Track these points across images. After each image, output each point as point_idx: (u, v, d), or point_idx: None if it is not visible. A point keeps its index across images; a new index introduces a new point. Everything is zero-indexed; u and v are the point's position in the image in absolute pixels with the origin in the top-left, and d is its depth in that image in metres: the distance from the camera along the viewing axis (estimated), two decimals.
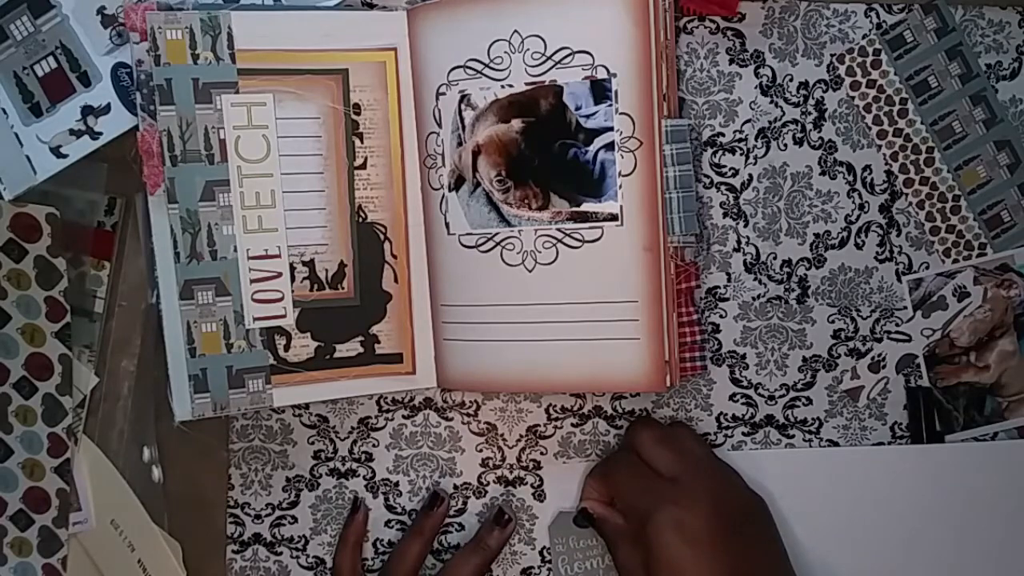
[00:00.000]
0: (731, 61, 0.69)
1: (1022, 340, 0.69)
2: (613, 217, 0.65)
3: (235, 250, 0.66)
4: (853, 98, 0.68)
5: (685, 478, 0.65)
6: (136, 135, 0.65)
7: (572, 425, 0.72)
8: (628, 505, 0.67)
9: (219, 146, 0.65)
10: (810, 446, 0.71)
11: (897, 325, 0.70)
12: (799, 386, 0.71)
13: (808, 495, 0.71)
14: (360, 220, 0.69)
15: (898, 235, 0.70)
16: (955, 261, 0.69)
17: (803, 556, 0.70)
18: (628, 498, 0.67)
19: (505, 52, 0.66)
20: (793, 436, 0.71)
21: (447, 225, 0.69)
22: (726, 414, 0.72)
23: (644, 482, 0.66)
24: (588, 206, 0.66)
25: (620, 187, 0.65)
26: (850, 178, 0.69)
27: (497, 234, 0.67)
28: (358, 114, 0.68)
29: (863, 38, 0.68)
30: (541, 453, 0.73)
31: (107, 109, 0.65)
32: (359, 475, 0.73)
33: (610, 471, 0.70)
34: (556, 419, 0.72)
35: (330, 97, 0.67)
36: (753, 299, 0.70)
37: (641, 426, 0.69)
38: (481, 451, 0.73)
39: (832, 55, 0.68)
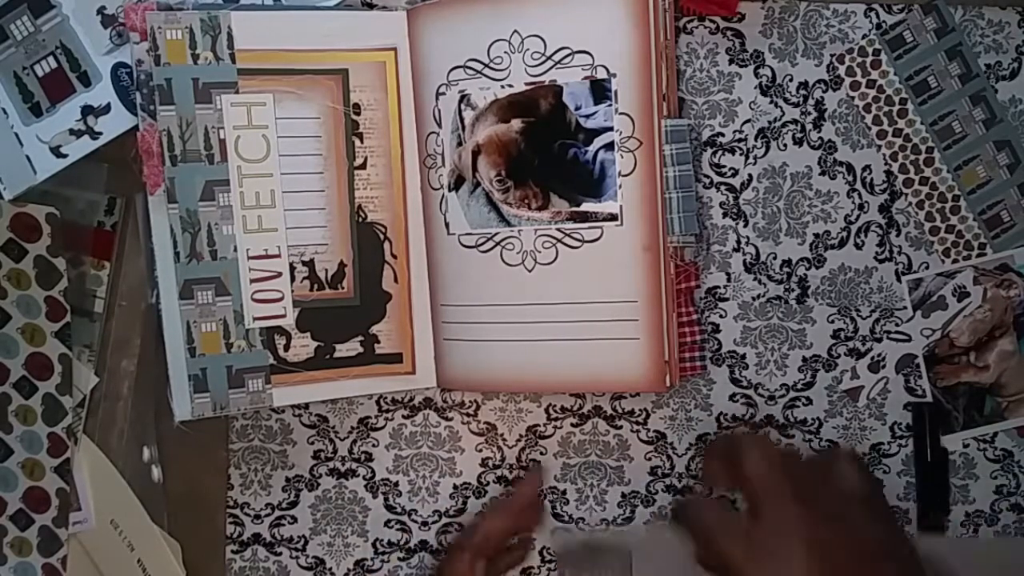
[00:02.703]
0: (731, 61, 0.69)
1: (1022, 340, 0.69)
2: (613, 217, 0.65)
3: (235, 250, 0.66)
4: (853, 98, 0.68)
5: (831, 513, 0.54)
6: (136, 135, 0.65)
7: (572, 425, 0.72)
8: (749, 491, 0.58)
9: (219, 146, 0.65)
10: (810, 446, 0.71)
11: (897, 325, 0.70)
12: (799, 386, 0.71)
13: None
14: (360, 220, 0.69)
15: (898, 235, 0.70)
16: (955, 261, 0.69)
17: None
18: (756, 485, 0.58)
19: (505, 52, 0.66)
20: (793, 436, 0.71)
21: (447, 225, 0.69)
22: (726, 414, 0.72)
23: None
24: (588, 206, 0.66)
25: (620, 187, 0.65)
26: (850, 178, 0.69)
27: (497, 234, 0.68)
28: (358, 114, 0.68)
29: (863, 38, 0.68)
30: (541, 453, 0.73)
31: (107, 109, 0.65)
32: (359, 475, 0.73)
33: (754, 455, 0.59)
34: (556, 419, 0.72)
35: (330, 97, 0.67)
36: (753, 299, 0.70)
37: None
38: (481, 451, 0.73)
39: (832, 55, 0.68)
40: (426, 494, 0.73)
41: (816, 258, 0.70)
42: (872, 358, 0.70)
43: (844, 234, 0.70)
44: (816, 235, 0.70)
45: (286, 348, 0.68)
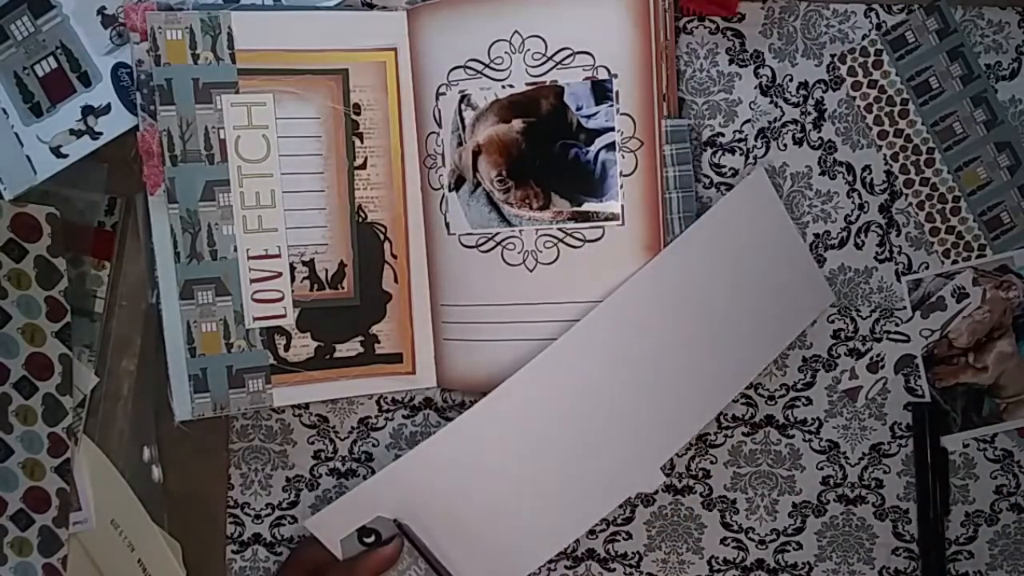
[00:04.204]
0: (731, 61, 0.69)
1: (1020, 342, 0.69)
2: (614, 217, 0.65)
3: (235, 250, 0.66)
4: (854, 98, 0.68)
5: None
6: (136, 135, 0.65)
7: None
8: None
9: (219, 146, 0.65)
10: (810, 447, 0.72)
11: (896, 325, 0.70)
12: (799, 386, 0.71)
13: None
14: (360, 220, 0.69)
15: (898, 235, 0.70)
16: (955, 262, 0.69)
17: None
18: None
19: (506, 52, 0.66)
20: (793, 436, 0.72)
21: (447, 225, 0.69)
22: (726, 414, 0.72)
23: None
24: (589, 206, 0.66)
25: (621, 187, 0.65)
26: (850, 178, 0.69)
27: (498, 234, 0.68)
28: (358, 114, 0.68)
29: (863, 38, 0.68)
30: None
31: (107, 109, 0.65)
32: (359, 475, 0.73)
33: None
34: None
35: (330, 97, 0.67)
36: None
37: None
38: None
39: (832, 55, 0.68)
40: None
41: (816, 258, 0.70)
42: (871, 358, 0.70)
43: (844, 234, 0.70)
44: (816, 235, 0.70)
45: (286, 348, 0.68)
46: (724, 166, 0.70)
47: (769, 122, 0.69)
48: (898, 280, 0.70)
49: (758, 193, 0.68)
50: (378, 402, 0.73)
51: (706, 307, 0.67)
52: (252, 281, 0.67)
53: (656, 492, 0.73)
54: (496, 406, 0.66)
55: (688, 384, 0.67)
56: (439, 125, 0.68)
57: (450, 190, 0.68)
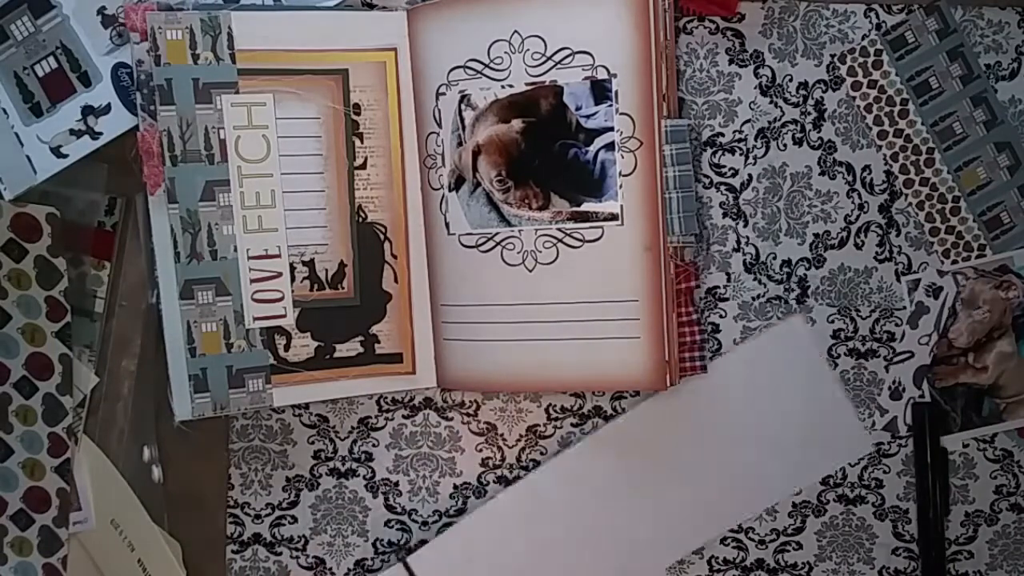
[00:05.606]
0: (731, 61, 0.69)
1: (1020, 342, 0.69)
2: (614, 217, 0.65)
3: (235, 250, 0.66)
4: (854, 98, 0.68)
5: None
6: (136, 135, 0.65)
7: (572, 425, 0.72)
8: None
9: (219, 146, 0.65)
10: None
11: (897, 325, 0.70)
12: None
13: None
14: (360, 220, 0.69)
15: (897, 235, 0.70)
16: (954, 262, 0.69)
17: None
18: None
19: (505, 52, 0.66)
20: None
21: (447, 225, 0.69)
22: None
23: None
24: (589, 206, 0.66)
25: (621, 187, 0.65)
26: (850, 178, 0.69)
27: (497, 234, 0.68)
28: (358, 114, 0.68)
29: (863, 38, 0.68)
30: (541, 453, 0.73)
31: (107, 109, 0.65)
32: (359, 475, 0.73)
33: None
34: (556, 419, 0.72)
35: (330, 97, 0.67)
36: (753, 299, 0.71)
37: None
38: (481, 451, 0.73)
39: (832, 55, 0.68)
40: (426, 494, 0.73)
41: (816, 258, 0.70)
42: (890, 387, 0.70)
43: (844, 234, 0.70)
44: (816, 235, 0.70)
45: (286, 348, 0.68)
46: (724, 166, 0.70)
47: (769, 122, 0.69)
48: (898, 280, 0.70)
49: (793, 342, 0.70)
50: (378, 402, 0.73)
51: (727, 437, 0.71)
52: (252, 281, 0.67)
53: None
54: (512, 499, 0.70)
55: (700, 504, 0.72)
56: (439, 125, 0.68)
57: (450, 190, 0.68)
